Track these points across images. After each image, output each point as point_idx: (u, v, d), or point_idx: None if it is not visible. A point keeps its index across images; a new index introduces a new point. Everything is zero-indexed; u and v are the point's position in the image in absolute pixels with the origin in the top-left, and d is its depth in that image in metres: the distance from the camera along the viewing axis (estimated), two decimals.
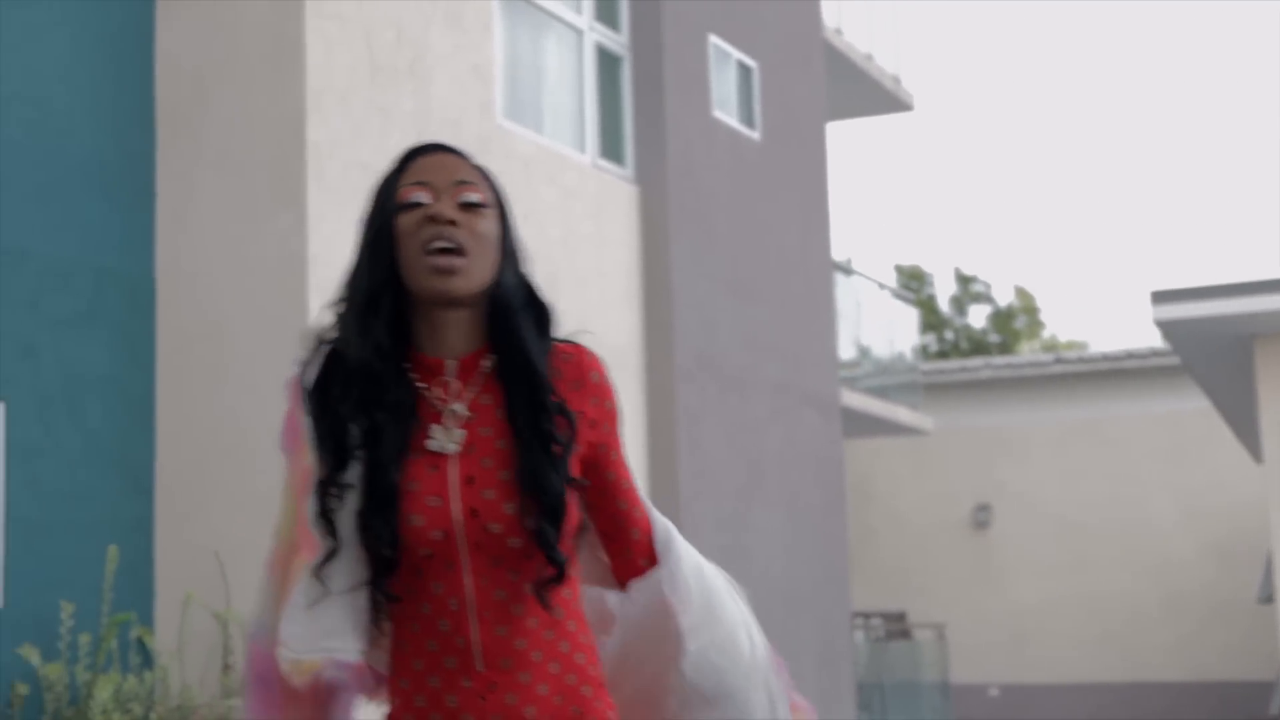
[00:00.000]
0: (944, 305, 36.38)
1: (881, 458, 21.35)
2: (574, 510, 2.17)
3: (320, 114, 8.31)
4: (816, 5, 14.64)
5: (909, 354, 18.49)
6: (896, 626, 19.81)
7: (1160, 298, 12.18)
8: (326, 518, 2.14)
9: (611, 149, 11.68)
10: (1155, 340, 27.19)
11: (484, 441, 2.16)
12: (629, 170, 11.72)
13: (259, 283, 8.01)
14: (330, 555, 2.13)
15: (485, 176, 2.26)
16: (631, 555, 2.30)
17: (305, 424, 2.23)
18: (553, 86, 11.20)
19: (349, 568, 2.14)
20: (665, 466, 11.34)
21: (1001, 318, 36.40)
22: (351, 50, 8.68)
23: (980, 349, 35.26)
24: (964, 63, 58.34)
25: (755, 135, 13.00)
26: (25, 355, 7.22)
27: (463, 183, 2.21)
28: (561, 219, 10.70)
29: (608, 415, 2.27)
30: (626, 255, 11.44)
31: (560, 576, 2.15)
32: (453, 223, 2.15)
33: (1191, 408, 19.90)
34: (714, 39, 12.73)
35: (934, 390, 21.45)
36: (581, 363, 2.26)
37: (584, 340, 2.31)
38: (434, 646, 2.15)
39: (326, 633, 2.12)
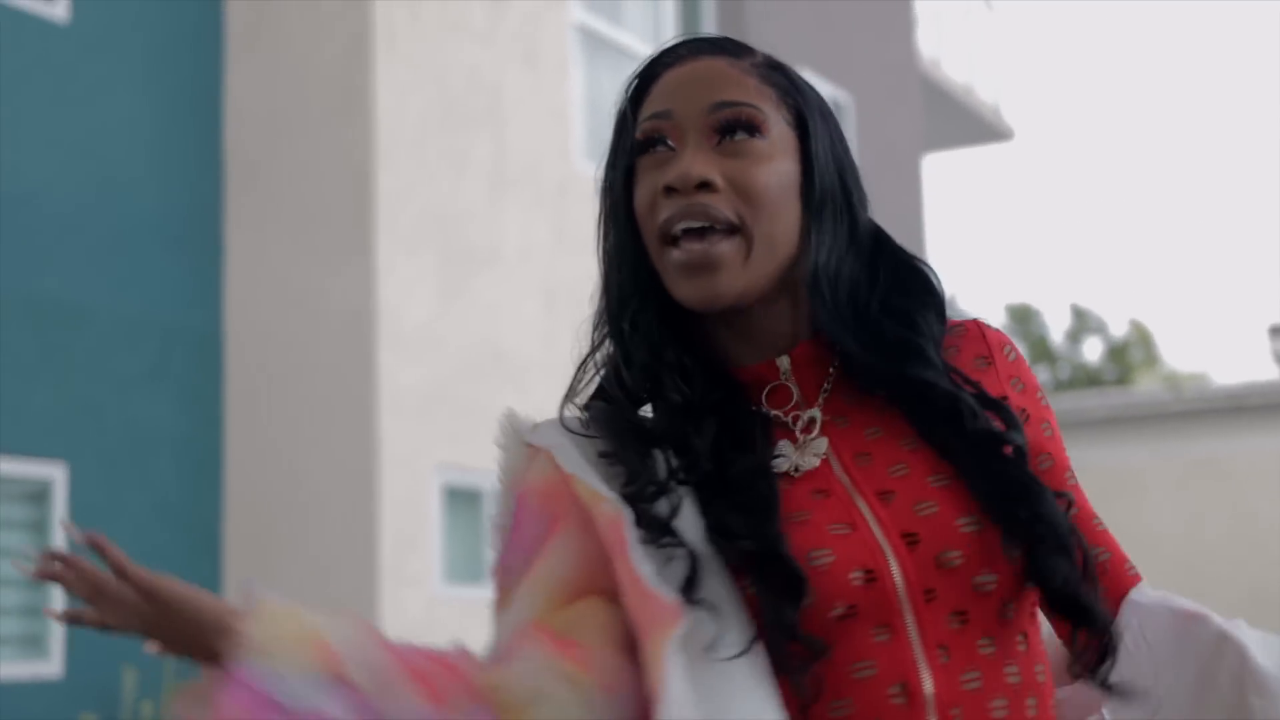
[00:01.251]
0: (1057, 339, 35.67)
1: None
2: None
3: (391, 161, 8.10)
4: (912, 37, 14.28)
5: None
6: None
7: (1279, 331, 11.62)
8: (659, 521, 1.30)
9: None
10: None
11: (878, 446, 1.36)
12: None
13: (328, 336, 7.80)
14: (693, 573, 1.28)
15: (770, 80, 1.40)
16: (1111, 579, 1.45)
17: (575, 464, 1.36)
18: None
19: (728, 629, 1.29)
20: None
21: (1117, 351, 35.60)
22: (423, 95, 8.48)
23: (1095, 383, 34.46)
24: (1066, 89, 57.43)
25: None
26: (89, 415, 7.07)
27: (724, 105, 1.36)
28: None
29: (1033, 400, 1.43)
30: None
31: (1110, 647, 1.34)
32: (705, 185, 1.33)
33: None
34: (804, 73, 12.42)
35: None
36: (985, 336, 1.43)
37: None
38: None
39: None
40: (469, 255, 8.71)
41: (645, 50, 11.03)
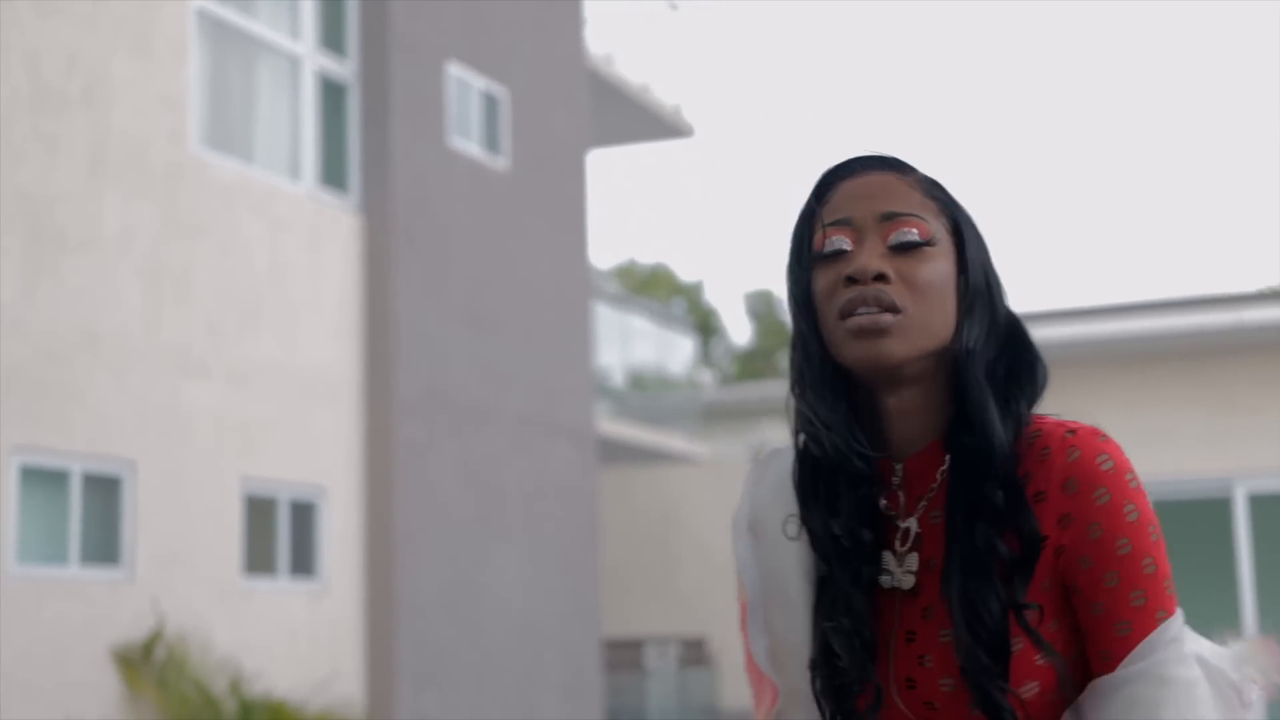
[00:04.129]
0: (731, 327, 36.91)
1: (689, 486, 21.41)
2: (1030, 658, 1.54)
3: None
4: (579, 35, 14.62)
5: (686, 380, 18.51)
6: (695, 653, 19.84)
7: None
8: (831, 680, 1.65)
9: (335, 179, 11.54)
10: None
11: (932, 579, 1.61)
12: (353, 200, 11.58)
13: None
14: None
15: (932, 194, 1.66)
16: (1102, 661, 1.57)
17: (743, 544, 1.74)
18: (264, 115, 11.03)
19: None
20: (381, 501, 11.19)
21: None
22: (9, 77, 8.46)
23: (771, 370, 35.73)
24: (753, 87, 58.95)
25: (502, 164, 12.92)
26: None
27: (894, 216, 1.61)
28: (268, 250, 10.53)
29: (1078, 534, 1.56)
30: (345, 287, 11.28)
31: None
32: (881, 277, 1.58)
33: None
34: (454, 67, 12.64)
35: (719, 417, 21.61)
36: (1055, 464, 1.58)
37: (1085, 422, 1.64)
38: None
39: None
40: (61, 238, 8.72)
41: (277, 41, 11.13)
